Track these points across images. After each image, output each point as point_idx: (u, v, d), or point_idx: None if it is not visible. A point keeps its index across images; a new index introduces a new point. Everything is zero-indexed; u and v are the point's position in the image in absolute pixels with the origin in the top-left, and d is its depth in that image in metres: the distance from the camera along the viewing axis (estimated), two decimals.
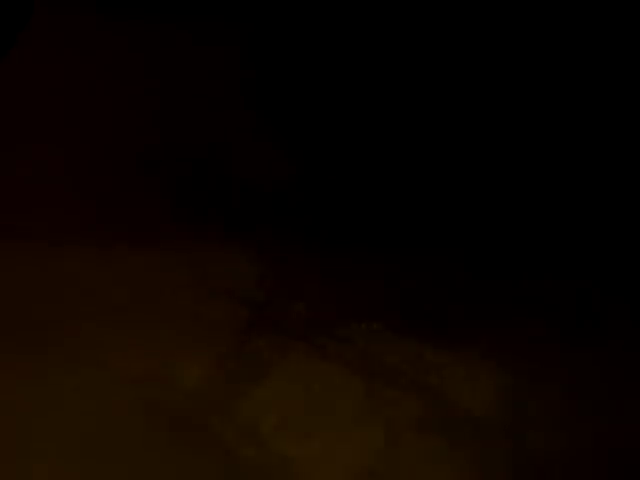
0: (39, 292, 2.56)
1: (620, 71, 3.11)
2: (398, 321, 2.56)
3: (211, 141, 2.96)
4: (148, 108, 3.02)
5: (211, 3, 3.29)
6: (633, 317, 2.60)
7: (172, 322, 2.52)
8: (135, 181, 2.83)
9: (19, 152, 2.87)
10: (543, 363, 2.49)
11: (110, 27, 3.20)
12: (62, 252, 2.64)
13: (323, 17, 3.25)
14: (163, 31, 3.22)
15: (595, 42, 3.14)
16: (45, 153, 2.88)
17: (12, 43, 3.02)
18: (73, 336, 2.46)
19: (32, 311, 2.51)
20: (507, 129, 3.03)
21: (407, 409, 2.39)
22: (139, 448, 2.27)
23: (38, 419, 2.30)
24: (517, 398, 2.43)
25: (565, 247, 2.77)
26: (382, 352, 2.50)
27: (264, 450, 2.29)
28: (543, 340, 2.54)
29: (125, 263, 2.64)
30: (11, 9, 3.01)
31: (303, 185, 2.88)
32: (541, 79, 3.12)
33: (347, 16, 3.24)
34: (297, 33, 3.24)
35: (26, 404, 2.33)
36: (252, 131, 3.00)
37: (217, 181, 2.87)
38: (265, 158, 2.94)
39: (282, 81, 3.15)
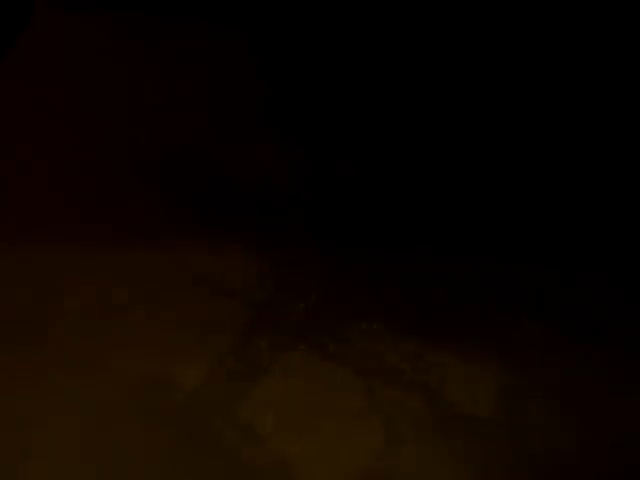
0: (39, 292, 2.56)
1: (620, 71, 3.11)
2: (398, 321, 2.56)
3: (212, 141, 2.96)
4: (147, 108, 3.02)
5: (213, 2, 3.29)
6: (633, 317, 2.60)
7: (172, 322, 2.52)
8: (135, 181, 2.84)
9: (19, 152, 2.88)
10: (543, 363, 2.49)
11: (110, 27, 3.20)
12: (62, 253, 2.64)
13: (326, 16, 3.25)
14: (163, 31, 3.22)
15: (595, 42, 3.14)
16: (45, 153, 2.88)
17: (12, 43, 3.02)
18: (73, 336, 2.47)
19: (32, 312, 2.52)
20: (506, 132, 3.03)
21: (407, 409, 2.39)
22: (139, 448, 2.27)
23: (38, 419, 2.30)
24: (517, 398, 2.43)
25: (565, 248, 2.77)
26: (382, 352, 2.50)
27: (264, 450, 2.29)
28: (543, 340, 2.55)
29: (125, 264, 2.64)
30: (11, 9, 3.02)
31: (304, 186, 2.88)
32: (541, 79, 3.12)
33: (349, 15, 3.25)
34: (299, 32, 3.24)
35: (26, 405, 2.33)
36: (253, 131, 3.00)
37: (217, 181, 2.87)
38: (266, 159, 2.94)
39: (284, 81, 3.15)
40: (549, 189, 2.89)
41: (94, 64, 3.13)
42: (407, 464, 2.29)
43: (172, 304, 2.56)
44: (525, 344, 2.53)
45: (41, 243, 2.66)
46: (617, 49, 3.13)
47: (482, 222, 2.81)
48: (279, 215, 2.80)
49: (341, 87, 3.12)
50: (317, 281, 2.64)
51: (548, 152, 2.97)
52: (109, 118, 2.99)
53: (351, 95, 3.10)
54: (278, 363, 2.45)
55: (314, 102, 3.09)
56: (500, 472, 2.29)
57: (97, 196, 2.80)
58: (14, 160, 2.85)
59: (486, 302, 2.62)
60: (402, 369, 2.47)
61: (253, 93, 3.10)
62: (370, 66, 3.16)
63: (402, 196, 2.87)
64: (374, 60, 3.17)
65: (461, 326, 2.57)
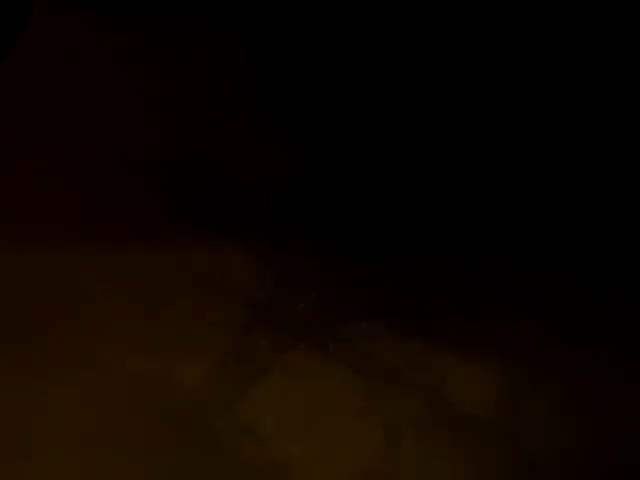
0: (39, 292, 2.56)
1: (620, 71, 3.11)
2: (398, 321, 2.56)
3: (211, 141, 2.96)
4: (147, 108, 3.02)
5: (212, 3, 3.29)
6: (633, 317, 2.60)
7: (172, 322, 2.52)
8: (135, 182, 2.84)
9: (19, 152, 2.88)
10: (543, 363, 2.49)
11: (110, 27, 3.20)
12: (62, 253, 2.65)
13: (325, 15, 3.25)
14: (163, 31, 3.22)
15: (595, 42, 3.14)
16: (45, 153, 2.88)
17: (12, 43, 3.02)
18: (73, 337, 2.47)
19: (32, 312, 2.51)
20: (506, 132, 3.03)
21: (407, 409, 2.39)
22: (139, 448, 2.27)
23: (38, 419, 2.30)
24: (517, 398, 2.43)
25: (565, 248, 2.77)
26: (382, 352, 2.50)
27: (264, 450, 2.29)
28: (543, 340, 2.55)
29: (125, 264, 2.64)
30: (11, 9, 3.02)
31: (304, 186, 2.88)
32: (541, 79, 3.12)
33: (349, 14, 3.25)
34: (299, 32, 3.24)
35: (27, 405, 2.33)
36: (253, 131, 3.00)
37: (217, 182, 2.87)
38: (265, 159, 2.94)
39: (282, 82, 3.15)
40: (549, 190, 2.89)
41: (94, 64, 3.13)
42: (407, 464, 2.29)
43: (172, 304, 2.56)
44: (525, 344, 2.53)
45: (41, 243, 2.66)
46: (617, 49, 3.13)
47: (482, 222, 2.81)
48: (279, 215, 2.80)
49: (341, 86, 3.12)
50: (317, 281, 2.64)
51: (549, 153, 2.97)
52: (109, 118, 2.98)
53: (351, 95, 3.10)
54: (278, 363, 2.45)
55: (314, 102, 3.09)
56: (500, 472, 2.29)
57: (97, 196, 2.80)
58: (14, 160, 2.85)
59: (486, 302, 2.62)
60: (402, 369, 2.47)
61: (253, 93, 3.10)
62: (371, 66, 3.16)
63: (402, 196, 2.87)
64: (375, 59, 3.17)
65: (461, 326, 2.57)
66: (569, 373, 2.48)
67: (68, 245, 2.66)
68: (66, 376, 2.38)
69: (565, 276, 2.68)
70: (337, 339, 2.51)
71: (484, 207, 2.85)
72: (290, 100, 3.10)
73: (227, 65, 3.17)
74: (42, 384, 2.36)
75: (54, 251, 2.65)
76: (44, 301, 2.54)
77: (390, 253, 2.72)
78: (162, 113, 3.02)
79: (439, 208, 2.84)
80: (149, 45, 3.18)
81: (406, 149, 2.99)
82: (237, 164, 2.92)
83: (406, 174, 2.93)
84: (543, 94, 3.09)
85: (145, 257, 2.66)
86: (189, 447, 2.28)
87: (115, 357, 2.42)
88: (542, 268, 2.70)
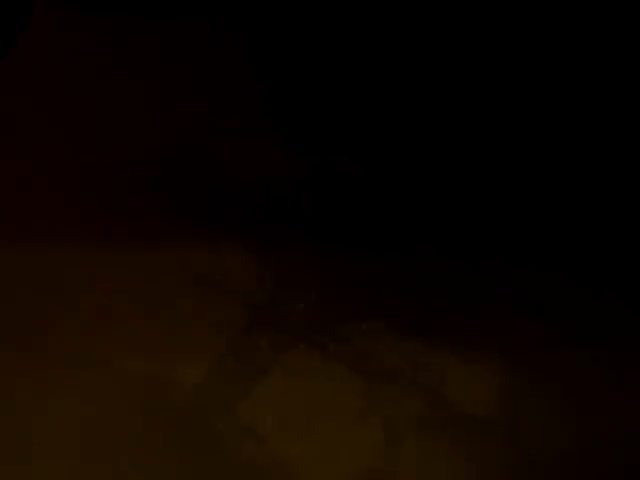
0: (39, 292, 2.56)
1: (620, 71, 3.11)
2: (398, 321, 2.56)
3: (211, 141, 2.96)
4: (147, 108, 3.02)
5: (211, 3, 3.29)
6: (633, 318, 2.60)
7: (172, 322, 2.52)
8: (135, 182, 2.84)
9: (19, 152, 2.88)
10: (543, 363, 2.49)
11: (110, 27, 3.20)
12: (62, 253, 2.64)
13: (326, 16, 3.25)
14: (163, 31, 3.22)
15: (595, 42, 3.14)
16: (44, 153, 2.88)
17: (12, 43, 3.02)
18: (73, 336, 2.47)
19: (32, 311, 2.51)
20: (506, 132, 3.03)
21: (407, 409, 2.39)
22: (139, 448, 2.27)
23: (38, 419, 2.30)
24: (517, 398, 2.43)
25: (566, 248, 2.77)
26: (382, 352, 2.50)
27: (264, 450, 2.29)
28: (543, 340, 2.55)
29: (125, 264, 2.64)
30: (11, 9, 3.01)
31: (304, 186, 2.88)
32: (541, 79, 3.12)
33: (350, 15, 3.25)
34: (299, 32, 3.24)
35: (26, 404, 2.33)
36: (253, 132, 3.00)
37: (217, 182, 2.87)
38: (266, 159, 2.94)
39: (283, 82, 3.15)
40: (549, 190, 2.89)
41: (94, 64, 3.12)
42: (407, 464, 2.29)
43: (172, 304, 2.56)
44: (525, 344, 2.53)
45: (41, 243, 2.66)
46: (617, 49, 3.13)
47: (482, 222, 2.81)
48: (279, 215, 2.80)
49: (341, 87, 3.12)
50: (317, 281, 2.64)
51: (548, 153, 2.97)
52: (109, 118, 2.98)
53: (351, 95, 3.10)
54: (278, 363, 2.45)
55: (314, 102, 3.09)
56: (500, 472, 2.29)
57: (97, 196, 2.80)
58: (14, 160, 2.85)
59: (486, 302, 2.62)
60: (402, 369, 2.47)
61: (253, 93, 3.10)
62: (371, 66, 3.16)
63: (402, 196, 2.87)
64: (375, 60, 3.17)
65: (461, 326, 2.57)
66: (569, 373, 2.47)
67: (68, 245, 2.66)
68: (66, 376, 2.38)
69: (565, 276, 2.68)
70: (337, 339, 2.51)
71: (484, 207, 2.85)
72: (290, 101, 3.10)
73: (227, 65, 3.17)
74: (42, 384, 2.36)
75: (54, 251, 2.65)
76: (44, 301, 2.54)
77: (390, 253, 2.72)
78: (162, 113, 3.02)
79: (439, 208, 2.84)
80: (149, 45, 3.18)
81: (407, 148, 2.99)
82: (237, 164, 2.92)
83: (406, 173, 2.93)
84: (543, 94, 3.09)
85: (145, 257, 2.66)
86: (189, 447, 2.28)
87: (115, 357, 2.43)
88: (542, 268, 2.70)
